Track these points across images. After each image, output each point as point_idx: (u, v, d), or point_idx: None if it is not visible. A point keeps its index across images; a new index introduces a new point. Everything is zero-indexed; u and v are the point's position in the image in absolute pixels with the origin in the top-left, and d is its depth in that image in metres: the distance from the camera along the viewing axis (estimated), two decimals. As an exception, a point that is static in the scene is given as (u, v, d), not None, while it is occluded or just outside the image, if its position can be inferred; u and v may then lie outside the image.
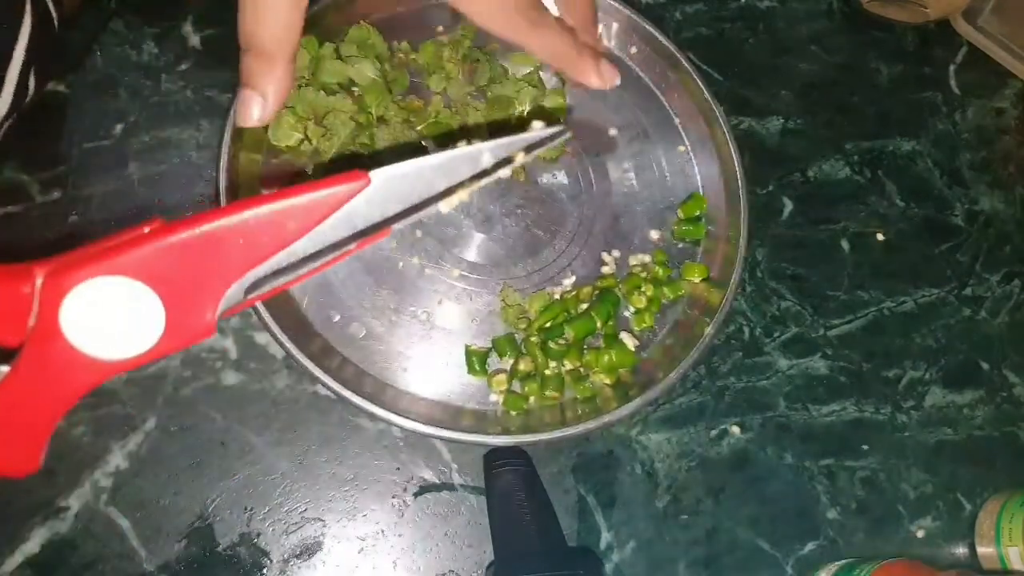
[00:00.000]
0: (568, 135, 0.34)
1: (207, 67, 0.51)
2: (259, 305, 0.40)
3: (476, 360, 0.45)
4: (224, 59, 0.50)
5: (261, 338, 0.45)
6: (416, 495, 0.43)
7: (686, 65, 0.52)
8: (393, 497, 0.43)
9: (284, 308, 0.43)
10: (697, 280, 0.49)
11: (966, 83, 0.61)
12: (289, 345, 0.41)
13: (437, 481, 0.44)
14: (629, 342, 0.46)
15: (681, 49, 0.53)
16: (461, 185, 0.31)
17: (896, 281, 0.53)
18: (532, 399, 0.45)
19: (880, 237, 0.55)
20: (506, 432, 0.42)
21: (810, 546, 0.46)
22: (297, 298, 0.45)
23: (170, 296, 0.25)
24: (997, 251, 0.56)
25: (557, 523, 0.42)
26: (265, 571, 0.41)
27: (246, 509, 0.42)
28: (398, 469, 0.44)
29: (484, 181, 0.33)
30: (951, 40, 0.63)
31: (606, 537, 0.44)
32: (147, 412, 0.43)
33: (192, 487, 0.42)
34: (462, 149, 0.31)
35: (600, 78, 0.40)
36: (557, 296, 0.47)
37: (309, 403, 0.44)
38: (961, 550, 0.47)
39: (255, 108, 0.37)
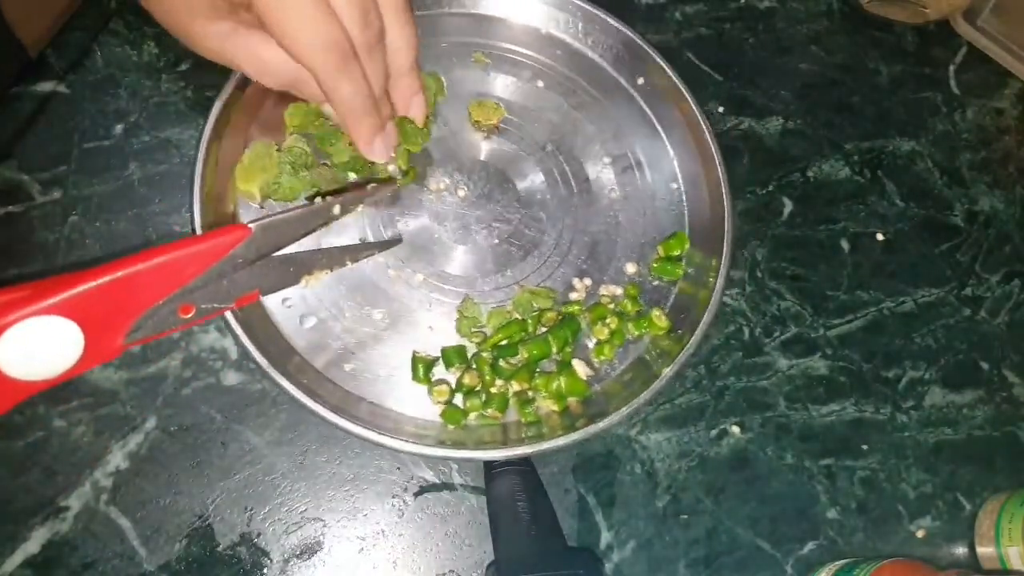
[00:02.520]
0: (397, 184, 0.46)
1: (207, 67, 0.50)
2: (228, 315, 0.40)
3: (422, 367, 0.43)
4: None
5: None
6: (416, 495, 0.43)
7: (692, 106, 0.51)
8: (393, 497, 0.43)
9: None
10: (660, 333, 0.47)
11: (966, 83, 0.61)
12: (246, 341, 0.40)
13: (437, 481, 0.44)
14: (582, 371, 0.45)
15: (688, 87, 0.52)
16: (315, 228, 0.38)
17: (896, 281, 0.54)
18: (472, 416, 0.43)
19: (880, 237, 0.55)
20: (439, 444, 0.41)
21: (810, 546, 0.46)
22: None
23: (89, 328, 0.29)
24: (997, 251, 0.56)
25: (557, 523, 0.42)
26: (265, 571, 0.41)
27: (246, 509, 0.42)
28: (398, 469, 0.44)
29: (333, 222, 0.41)
30: (951, 40, 0.63)
31: (606, 537, 0.44)
32: (147, 412, 0.43)
33: (192, 487, 0.42)
34: (319, 204, 0.40)
35: (369, 148, 0.42)
36: (518, 316, 0.46)
37: (309, 403, 0.44)
38: (961, 550, 0.47)
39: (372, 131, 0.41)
